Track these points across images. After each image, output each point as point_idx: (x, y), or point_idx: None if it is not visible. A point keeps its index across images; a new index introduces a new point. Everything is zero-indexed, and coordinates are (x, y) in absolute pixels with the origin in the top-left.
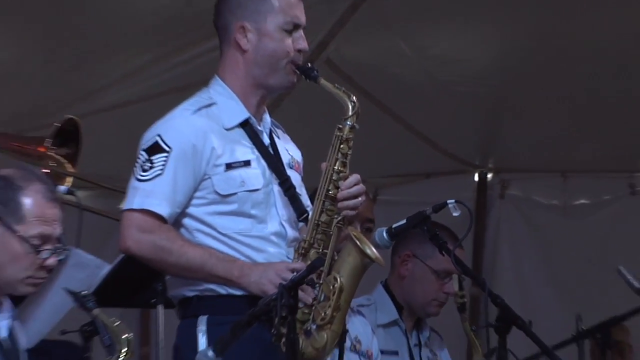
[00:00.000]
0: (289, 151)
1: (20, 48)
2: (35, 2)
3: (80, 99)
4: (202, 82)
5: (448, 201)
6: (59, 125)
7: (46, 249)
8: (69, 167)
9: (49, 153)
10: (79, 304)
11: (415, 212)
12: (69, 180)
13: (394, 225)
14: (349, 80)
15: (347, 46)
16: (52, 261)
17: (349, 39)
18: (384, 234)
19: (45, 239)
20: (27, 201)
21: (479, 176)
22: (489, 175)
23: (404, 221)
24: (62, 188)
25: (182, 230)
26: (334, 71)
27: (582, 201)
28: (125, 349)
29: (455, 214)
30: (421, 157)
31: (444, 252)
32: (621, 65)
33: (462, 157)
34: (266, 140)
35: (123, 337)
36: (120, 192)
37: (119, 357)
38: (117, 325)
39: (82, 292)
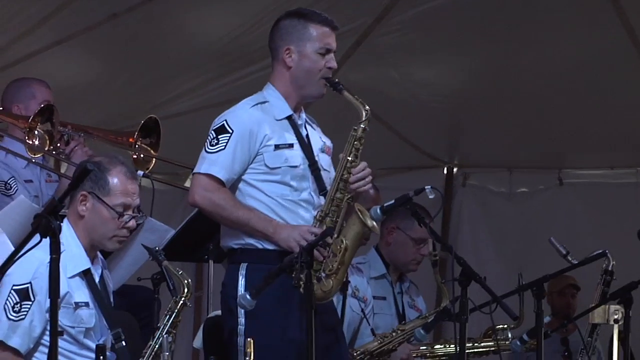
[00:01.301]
0: (322, 138)
1: (112, 70)
2: (123, 36)
3: (155, 107)
4: (242, 97)
5: (426, 187)
6: (143, 122)
7: (127, 214)
8: (152, 152)
9: (137, 142)
10: (152, 257)
11: (401, 195)
12: (152, 162)
13: (385, 204)
14: None
15: (352, 72)
16: (132, 224)
17: (353, 67)
18: (378, 211)
19: (126, 207)
20: (112, 179)
21: (447, 170)
22: (455, 170)
23: (393, 201)
24: (139, 172)
25: (237, 193)
26: None
27: (523, 190)
28: (186, 290)
29: (430, 197)
30: (406, 155)
31: (421, 225)
32: (552, 88)
33: (435, 156)
34: (304, 132)
35: (185, 282)
36: (184, 168)
37: (181, 297)
38: (180, 273)
39: (155, 248)
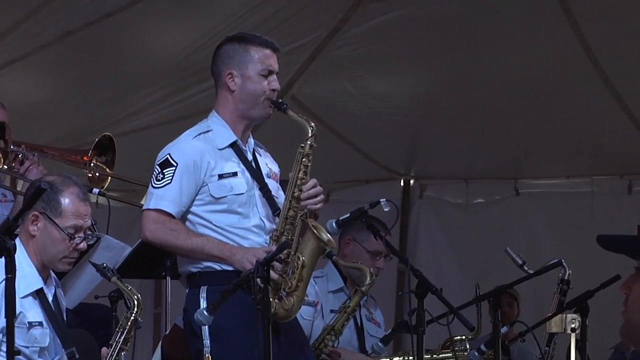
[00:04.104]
0: (267, 165)
1: (68, 88)
2: (78, 54)
3: (111, 124)
4: (200, 112)
5: (381, 200)
6: (98, 139)
7: (78, 236)
8: (107, 170)
9: (92, 161)
10: (100, 273)
11: (356, 208)
12: (107, 180)
13: (340, 218)
14: (308, 111)
15: (307, 86)
16: (82, 245)
17: (308, 81)
18: (333, 224)
19: (77, 229)
20: (64, 200)
21: (404, 182)
22: (411, 181)
23: (348, 215)
24: (95, 190)
25: (188, 224)
26: (297, 105)
27: (480, 200)
28: (136, 305)
29: (385, 210)
30: (362, 168)
31: (377, 237)
32: (507, 99)
33: (391, 168)
34: (249, 157)
35: (134, 297)
36: (140, 185)
37: (132, 313)
38: (129, 289)
39: (103, 264)
